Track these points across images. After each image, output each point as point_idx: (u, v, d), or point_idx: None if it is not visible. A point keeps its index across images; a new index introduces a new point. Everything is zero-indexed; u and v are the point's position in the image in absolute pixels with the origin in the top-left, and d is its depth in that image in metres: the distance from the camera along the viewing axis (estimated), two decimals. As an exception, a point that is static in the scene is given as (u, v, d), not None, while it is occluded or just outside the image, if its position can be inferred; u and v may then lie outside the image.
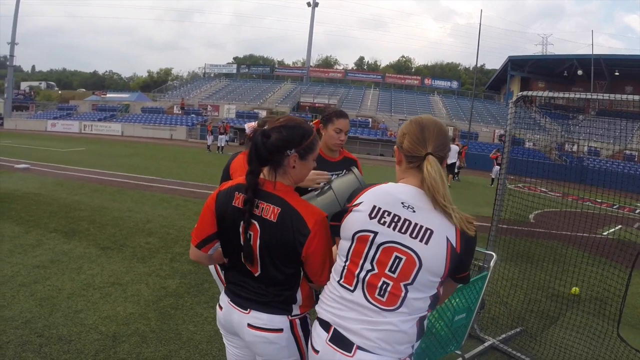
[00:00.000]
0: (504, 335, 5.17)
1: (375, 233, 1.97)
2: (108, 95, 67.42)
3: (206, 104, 54.74)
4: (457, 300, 3.06)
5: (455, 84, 63.75)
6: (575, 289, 6.31)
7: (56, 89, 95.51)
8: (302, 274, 2.31)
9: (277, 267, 2.25)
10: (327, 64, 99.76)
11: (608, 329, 4.98)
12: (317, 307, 2.18)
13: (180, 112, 52.88)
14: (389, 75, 68.99)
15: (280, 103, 54.54)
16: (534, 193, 7.40)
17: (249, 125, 3.80)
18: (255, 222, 2.23)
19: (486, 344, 4.94)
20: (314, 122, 3.96)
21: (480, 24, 40.30)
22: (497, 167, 22.88)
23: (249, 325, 2.28)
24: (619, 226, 10.54)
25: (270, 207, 2.23)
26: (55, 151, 24.48)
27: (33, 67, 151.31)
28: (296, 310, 2.29)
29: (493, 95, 67.87)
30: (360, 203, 2.07)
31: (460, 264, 1.97)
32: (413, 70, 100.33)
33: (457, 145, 23.61)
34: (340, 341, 1.98)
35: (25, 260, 6.64)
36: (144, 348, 4.41)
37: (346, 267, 2.05)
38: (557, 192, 7.20)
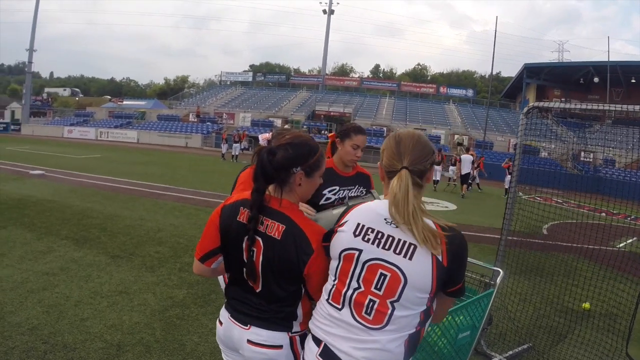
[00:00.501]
0: (511, 352, 5.07)
1: (360, 251, 1.97)
2: (125, 102, 68.09)
3: (222, 112, 54.99)
4: (461, 317, 3.00)
5: (470, 92, 63.45)
6: (586, 304, 6.16)
7: (81, 95, 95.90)
8: (303, 291, 2.29)
9: (279, 284, 2.24)
10: (343, 71, 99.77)
11: (617, 346, 4.85)
12: (309, 323, 2.17)
13: (195, 120, 53.15)
14: (404, 83, 68.71)
15: (296, 111, 54.63)
16: (548, 204, 7.27)
17: (263, 137, 3.82)
18: (259, 239, 2.23)
19: (492, 361, 4.83)
20: (329, 135, 3.96)
21: (495, 31, 40.20)
22: (509, 177, 22.75)
23: (249, 342, 2.27)
24: (634, 238, 10.34)
25: (275, 224, 2.22)
26: (71, 158, 24.68)
27: (51, 73, 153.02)
28: (296, 327, 2.27)
29: (509, 103, 67.44)
30: (346, 222, 2.08)
31: (449, 278, 1.93)
32: (429, 78, 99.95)
33: (472, 155, 23.44)
34: (330, 357, 1.98)
35: (35, 267, 6.68)
36: (147, 358, 4.40)
37: (335, 286, 2.04)
38: (572, 203, 7.05)
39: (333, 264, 2.08)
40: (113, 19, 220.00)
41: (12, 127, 54.12)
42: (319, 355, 2.01)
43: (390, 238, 1.93)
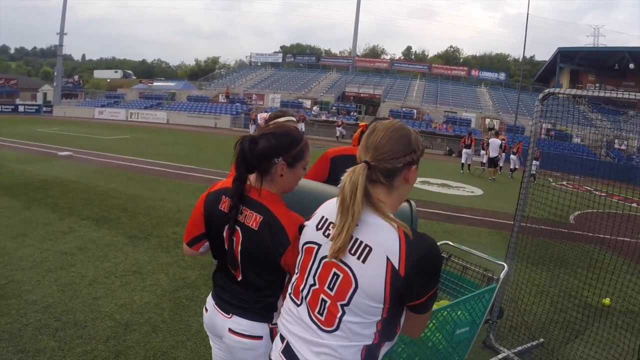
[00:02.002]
0: (520, 348, 4.87)
1: (319, 245, 1.84)
2: (155, 83, 68.61)
3: (251, 93, 55.00)
4: (459, 313, 2.87)
5: (502, 76, 62.13)
6: (606, 300, 5.91)
7: (133, 77, 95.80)
8: (284, 282, 2.24)
9: (258, 273, 2.21)
10: (374, 53, 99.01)
11: (635, 348, 4.58)
12: (278, 318, 2.08)
13: (225, 100, 53.20)
14: (435, 65, 67.64)
15: (325, 93, 54.37)
16: (577, 192, 7.01)
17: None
18: (238, 229, 2.19)
19: (500, 356, 4.70)
20: (360, 124, 3.82)
21: (527, 13, 39.45)
22: (534, 162, 22.47)
23: (230, 330, 2.25)
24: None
25: (253, 215, 2.19)
26: (99, 139, 24.91)
27: (83, 55, 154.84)
28: (276, 318, 2.19)
29: (542, 87, 65.72)
30: (314, 214, 1.98)
31: (407, 290, 1.67)
32: (461, 60, 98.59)
33: (502, 139, 23.12)
34: (290, 356, 1.85)
35: (55, 247, 6.83)
36: (152, 337, 4.46)
37: (296, 280, 1.94)
38: (602, 192, 6.79)
39: (299, 257, 1.97)
40: (144, 2, 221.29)
41: (44, 109, 54.93)
42: (282, 352, 1.89)
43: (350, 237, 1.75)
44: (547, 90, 4.38)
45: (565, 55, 55.22)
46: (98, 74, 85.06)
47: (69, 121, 41.10)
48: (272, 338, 2.18)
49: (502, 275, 3.16)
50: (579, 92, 4.08)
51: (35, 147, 19.14)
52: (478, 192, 16.18)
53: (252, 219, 2.17)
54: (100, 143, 22.46)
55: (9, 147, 19.01)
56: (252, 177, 2.25)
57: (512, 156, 23.28)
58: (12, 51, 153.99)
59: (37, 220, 8.11)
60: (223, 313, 2.30)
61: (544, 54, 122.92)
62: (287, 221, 2.16)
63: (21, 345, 4.21)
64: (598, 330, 5.21)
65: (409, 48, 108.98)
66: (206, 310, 2.44)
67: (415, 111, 47.28)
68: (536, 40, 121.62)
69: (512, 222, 5.07)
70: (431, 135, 40.20)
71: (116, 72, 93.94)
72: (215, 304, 2.37)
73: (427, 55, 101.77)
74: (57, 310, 4.87)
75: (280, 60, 69.87)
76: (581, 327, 5.20)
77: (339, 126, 38.99)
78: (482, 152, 24.39)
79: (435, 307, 2.95)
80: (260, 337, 2.22)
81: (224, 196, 2.29)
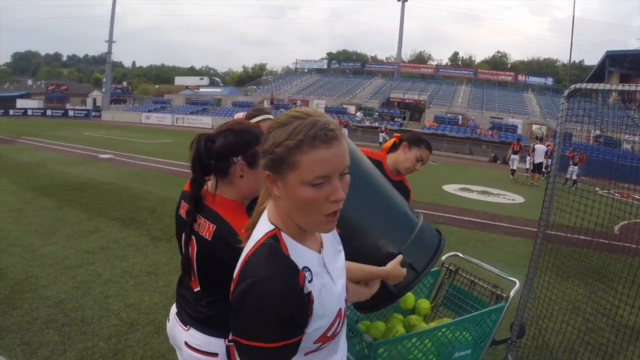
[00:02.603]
0: (542, 372, 4.41)
1: None
2: (201, 89, 69.83)
3: (296, 99, 55.14)
4: (458, 333, 2.66)
5: (550, 81, 60.61)
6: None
7: (221, 85, 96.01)
8: None
9: (214, 286, 2.03)
10: (421, 59, 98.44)
11: None
12: None
13: (269, 106, 53.49)
14: (481, 71, 66.10)
15: (370, 98, 54.11)
16: (625, 201, 6.55)
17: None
18: (193, 238, 2.03)
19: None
20: (394, 134, 3.74)
21: (573, 16, 38.72)
22: (573, 167, 21.89)
23: (186, 344, 2.07)
24: None
25: (206, 224, 1.99)
26: (143, 143, 25.36)
27: (133, 62, 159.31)
28: None
29: (590, 92, 64.16)
30: None
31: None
32: (509, 66, 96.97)
33: (548, 145, 22.56)
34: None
35: (78, 245, 7.06)
36: (154, 338, 4.47)
37: None
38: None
39: None
40: (193, 10, 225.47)
41: (93, 113, 57.12)
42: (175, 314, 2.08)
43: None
44: (573, 86, 4.11)
45: (614, 59, 53.48)
46: (180, 80, 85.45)
47: (116, 125, 42.11)
48: (229, 356, 1.92)
49: (512, 293, 2.90)
50: (607, 86, 3.78)
51: (79, 150, 19.71)
52: (519, 199, 15.63)
53: (206, 228, 1.98)
54: (143, 147, 22.85)
55: (55, 149, 19.68)
56: (209, 182, 2.07)
57: (571, 167, 22.49)
58: (64, 58, 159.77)
59: (67, 220, 8.38)
60: (181, 324, 2.12)
61: (593, 58, 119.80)
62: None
63: (27, 338, 4.37)
64: (633, 356, 4.71)
65: (455, 54, 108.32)
66: (169, 319, 2.27)
67: (460, 117, 46.41)
68: (585, 44, 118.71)
69: (553, 233, 4.71)
70: (476, 142, 39.66)
71: (202, 79, 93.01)
72: (177, 313, 2.20)
73: (474, 61, 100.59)
74: (67, 306, 5.00)
75: (325, 66, 69.89)
76: (614, 350, 4.66)
77: (382, 132, 38.66)
78: (528, 158, 23.94)
79: (433, 324, 2.76)
80: (215, 355, 2.01)
81: (183, 200, 2.16)
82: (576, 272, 5.85)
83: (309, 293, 1.32)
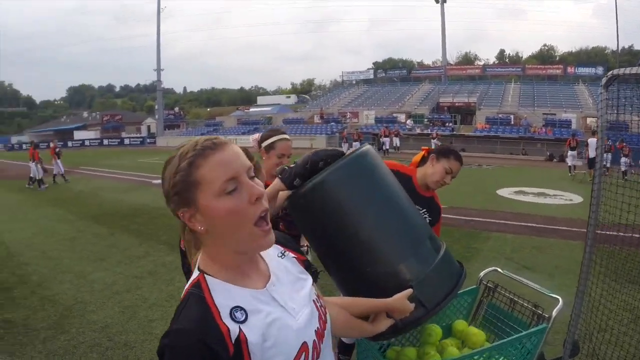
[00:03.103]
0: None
1: None
2: (251, 109, 70.75)
3: (345, 112, 55.26)
4: (496, 359, 2.50)
5: (600, 70, 57.66)
6: None
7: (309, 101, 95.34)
8: None
9: None
10: (467, 60, 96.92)
11: None
12: None
13: (320, 121, 53.81)
14: (529, 66, 64.15)
15: (419, 105, 53.60)
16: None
17: (253, 138, 3.65)
18: None
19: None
20: (422, 148, 3.72)
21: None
22: (624, 159, 21.21)
23: None
24: None
25: None
26: (196, 167, 25.58)
27: (184, 88, 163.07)
28: None
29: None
30: None
31: None
32: (557, 58, 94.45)
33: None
34: None
35: (128, 271, 7.43)
36: None
37: None
38: None
39: None
40: (237, 32, 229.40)
41: (148, 140, 58.78)
42: None
43: None
44: (610, 72, 3.75)
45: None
46: (262, 100, 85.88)
47: (171, 150, 42.70)
48: None
49: (554, 313, 2.63)
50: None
51: (134, 177, 20.45)
52: (577, 199, 14.94)
53: None
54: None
55: (109, 177, 20.49)
56: None
57: (622, 159, 21.87)
58: (117, 89, 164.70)
59: (118, 246, 8.82)
60: None
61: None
62: None
63: None
64: None
65: (502, 51, 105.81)
66: None
67: (512, 116, 45.29)
68: (632, 27, 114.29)
69: (607, 233, 4.31)
70: (530, 141, 38.57)
71: (288, 97, 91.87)
72: None
73: (522, 57, 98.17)
74: (112, 330, 5.26)
75: (372, 76, 69.74)
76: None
77: (434, 139, 38.11)
78: (583, 153, 23.17)
79: (467, 351, 2.66)
80: None
81: None
82: (637, 276, 5.55)
83: (238, 337, 1.22)
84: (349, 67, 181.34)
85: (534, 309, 2.79)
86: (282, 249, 1.59)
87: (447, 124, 45.59)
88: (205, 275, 1.31)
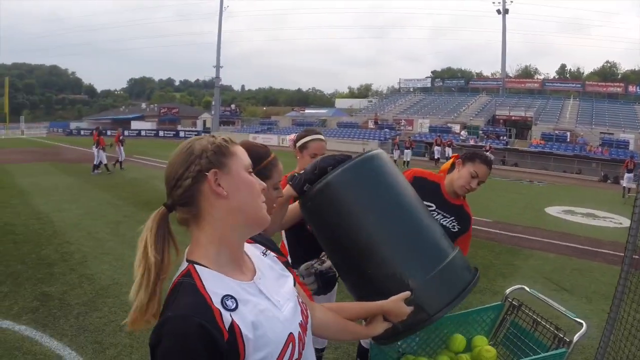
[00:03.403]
0: None
1: None
2: (307, 111, 71.48)
3: (400, 119, 55.10)
4: None
5: (664, 89, 56.07)
6: None
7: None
8: None
9: None
10: (527, 73, 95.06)
11: None
12: None
13: (374, 126, 53.82)
14: (589, 83, 62.49)
15: (475, 117, 52.97)
16: None
17: (290, 138, 3.76)
18: None
19: None
20: (452, 155, 3.75)
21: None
22: (629, 175, 20.78)
23: None
24: None
25: None
26: (245, 162, 26.14)
27: (242, 86, 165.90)
28: None
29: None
30: None
31: None
32: (619, 76, 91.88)
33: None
34: None
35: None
36: None
37: None
38: None
39: None
40: (299, 34, 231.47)
41: (203, 134, 59.25)
42: None
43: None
44: None
45: None
46: (341, 103, 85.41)
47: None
48: None
49: (575, 338, 2.52)
50: None
51: None
52: (627, 223, 14.60)
53: None
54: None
55: (161, 167, 20.92)
56: None
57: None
58: (177, 83, 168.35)
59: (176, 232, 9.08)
60: None
61: None
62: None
63: (100, 338, 5.01)
64: None
65: (563, 66, 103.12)
66: None
67: (568, 134, 44.10)
68: None
69: None
70: (585, 160, 37.52)
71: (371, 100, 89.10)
72: None
73: (583, 73, 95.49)
74: None
75: (429, 84, 69.37)
76: None
77: (487, 151, 37.79)
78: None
79: None
80: None
81: None
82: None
83: (231, 324, 1.27)
84: (408, 74, 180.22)
85: (555, 331, 2.68)
86: (264, 248, 1.70)
87: (501, 137, 45.01)
88: (195, 265, 1.37)
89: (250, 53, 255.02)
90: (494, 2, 59.54)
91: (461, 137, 45.08)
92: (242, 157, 1.47)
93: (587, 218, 15.10)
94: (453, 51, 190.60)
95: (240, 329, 1.28)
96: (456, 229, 3.43)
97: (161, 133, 64.24)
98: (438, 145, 37.89)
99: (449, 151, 38.49)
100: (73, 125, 73.47)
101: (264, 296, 1.44)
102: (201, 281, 1.33)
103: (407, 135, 45.12)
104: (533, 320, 2.82)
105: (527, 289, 3.03)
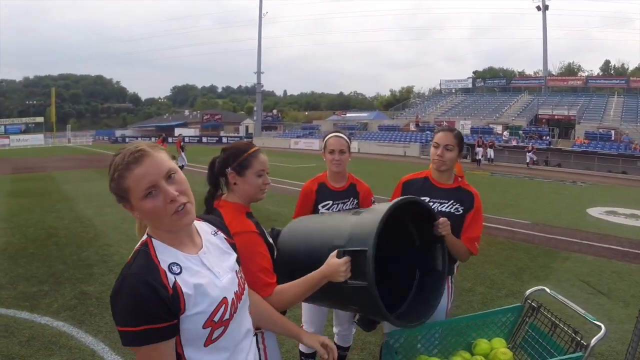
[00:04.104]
0: None
1: None
2: (348, 114, 71.92)
3: (441, 121, 54.69)
4: None
5: None
6: None
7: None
8: None
9: None
10: (570, 71, 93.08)
11: None
12: None
13: (415, 129, 53.68)
14: (634, 79, 59.45)
15: (517, 117, 52.37)
16: None
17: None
18: None
19: None
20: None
21: None
22: None
23: None
24: None
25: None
26: (286, 167, 26.81)
27: (284, 91, 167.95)
28: None
29: None
30: None
31: None
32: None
33: None
34: None
35: None
36: None
37: None
38: None
39: None
40: (339, 38, 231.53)
41: (245, 140, 60.20)
42: None
43: None
44: None
45: None
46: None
47: (266, 151, 44.04)
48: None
49: (593, 342, 2.46)
50: None
51: None
52: None
53: None
54: (285, 171, 24.17)
55: (203, 173, 21.19)
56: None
57: None
58: (219, 90, 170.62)
59: None
60: None
61: None
62: (231, 224, 2.34)
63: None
64: None
65: (607, 62, 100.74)
66: None
67: (612, 132, 42.83)
68: None
69: None
70: (630, 159, 36.02)
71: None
72: None
73: (628, 69, 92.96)
74: None
75: (470, 85, 68.80)
76: None
77: (529, 152, 37.21)
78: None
79: None
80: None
81: None
82: None
83: (174, 283, 1.64)
84: (449, 75, 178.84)
85: (573, 334, 2.64)
86: (215, 229, 2.04)
87: (544, 137, 44.29)
88: (152, 238, 1.73)
89: (292, 58, 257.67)
90: (533, -1, 58.76)
91: (503, 138, 44.55)
92: (137, 188, 1.65)
93: (629, 219, 14.59)
94: (494, 50, 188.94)
95: (181, 287, 1.64)
96: (460, 211, 3.45)
97: (204, 139, 65.33)
98: (479, 146, 37.54)
99: (491, 152, 38.13)
100: (118, 133, 75.58)
101: (205, 267, 1.79)
102: (154, 251, 1.69)
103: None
104: (551, 322, 2.80)
105: (548, 290, 2.98)
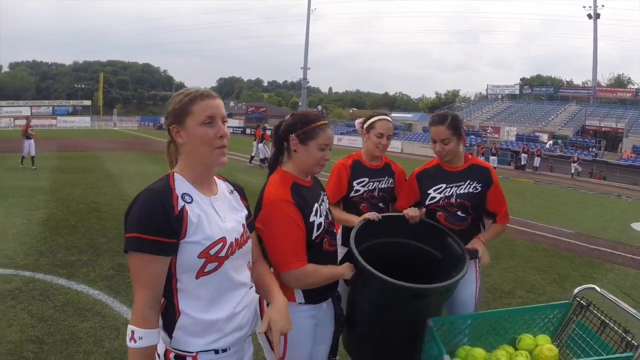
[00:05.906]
0: None
1: None
2: (392, 114, 71.07)
3: (487, 126, 54.40)
4: None
5: None
6: None
7: None
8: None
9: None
10: (619, 82, 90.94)
11: None
12: None
13: (460, 133, 53.33)
14: None
15: (564, 126, 51.63)
16: None
17: (357, 122, 3.99)
18: None
19: None
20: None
21: None
22: None
23: None
24: None
25: None
26: (329, 162, 26.83)
27: (330, 88, 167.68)
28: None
29: None
30: None
31: None
32: None
33: None
34: None
35: None
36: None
37: None
38: None
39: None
40: (388, 37, 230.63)
41: None
42: None
43: None
44: None
45: None
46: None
47: (333, 147, 44.81)
48: None
49: None
50: None
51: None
52: None
53: None
54: (327, 165, 24.26)
55: (238, 160, 23.61)
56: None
57: None
58: (265, 84, 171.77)
59: None
60: None
61: None
62: (269, 189, 2.54)
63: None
64: None
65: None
66: None
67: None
68: None
69: None
70: None
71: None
72: None
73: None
74: None
75: (517, 91, 68.00)
76: None
77: (574, 162, 36.75)
78: None
79: None
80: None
81: None
82: None
83: (182, 208, 1.86)
84: (496, 80, 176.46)
85: (623, 334, 2.54)
86: (232, 189, 2.24)
87: (590, 149, 43.70)
88: (175, 173, 1.98)
89: (339, 56, 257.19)
90: (584, 7, 57.50)
91: (548, 147, 44.00)
92: (200, 113, 1.93)
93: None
94: (542, 58, 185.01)
95: (188, 213, 1.86)
96: (478, 189, 3.47)
97: (248, 130, 66.02)
98: (524, 152, 37.39)
99: (537, 160, 37.79)
100: (163, 119, 76.81)
101: (213, 209, 2.00)
102: (174, 180, 1.94)
103: (493, 142, 44.52)
104: (601, 321, 2.69)
105: (598, 288, 2.86)
